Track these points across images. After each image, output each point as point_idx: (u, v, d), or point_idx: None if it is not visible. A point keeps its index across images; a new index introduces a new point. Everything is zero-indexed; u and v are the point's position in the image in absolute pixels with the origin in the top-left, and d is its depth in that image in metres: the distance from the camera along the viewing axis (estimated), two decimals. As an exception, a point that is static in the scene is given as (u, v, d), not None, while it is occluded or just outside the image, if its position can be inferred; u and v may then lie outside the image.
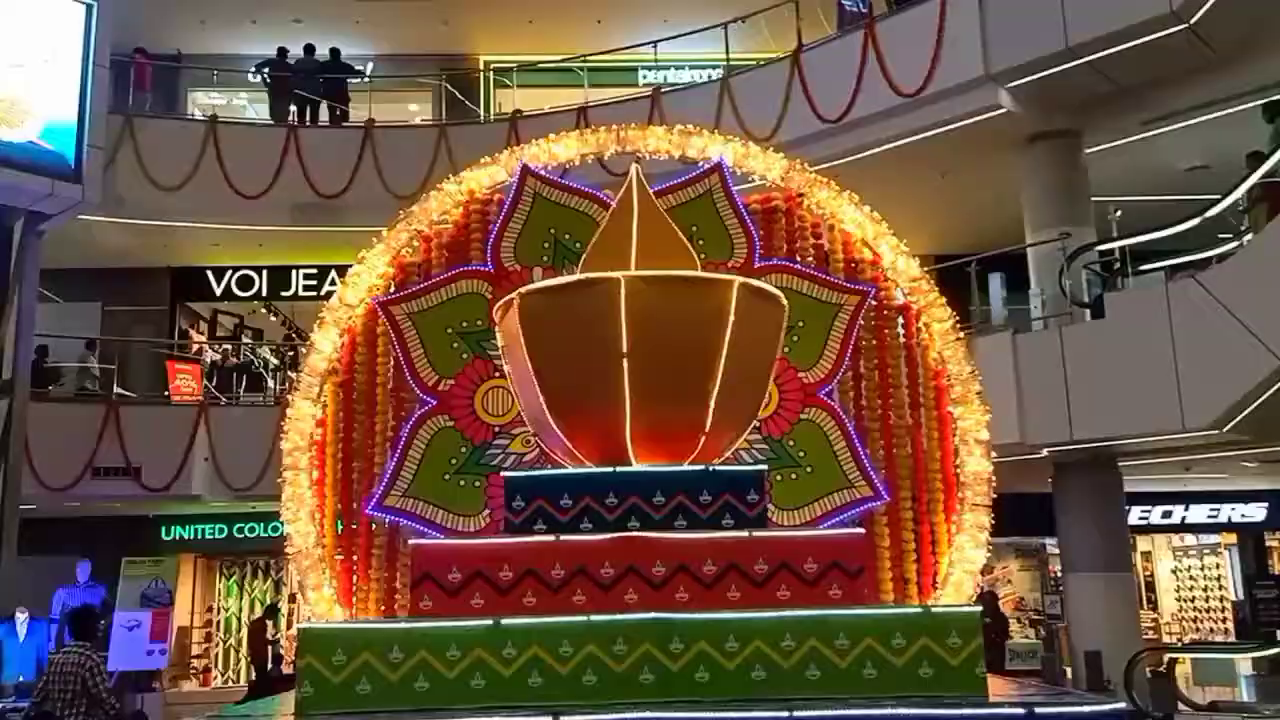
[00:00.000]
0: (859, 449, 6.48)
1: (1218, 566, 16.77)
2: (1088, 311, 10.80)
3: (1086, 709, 3.83)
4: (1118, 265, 11.29)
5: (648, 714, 3.88)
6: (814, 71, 12.45)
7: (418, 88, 18.00)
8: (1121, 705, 3.89)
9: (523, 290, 5.21)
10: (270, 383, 15.51)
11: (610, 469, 4.98)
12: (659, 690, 4.08)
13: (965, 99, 11.42)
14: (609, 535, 4.71)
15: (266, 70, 15.61)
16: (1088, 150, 12.09)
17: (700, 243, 6.34)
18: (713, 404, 5.01)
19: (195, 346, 15.91)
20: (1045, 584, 15.37)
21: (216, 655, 15.09)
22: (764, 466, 5.49)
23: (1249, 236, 10.02)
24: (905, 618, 4.25)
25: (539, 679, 4.12)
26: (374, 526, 6.57)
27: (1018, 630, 14.64)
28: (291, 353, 15.08)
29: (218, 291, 16.32)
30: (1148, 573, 17.13)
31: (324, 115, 15.30)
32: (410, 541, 5.47)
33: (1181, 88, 11.20)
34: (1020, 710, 3.82)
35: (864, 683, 4.06)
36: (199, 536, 14.74)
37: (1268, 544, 17.08)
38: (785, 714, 3.83)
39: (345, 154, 13.99)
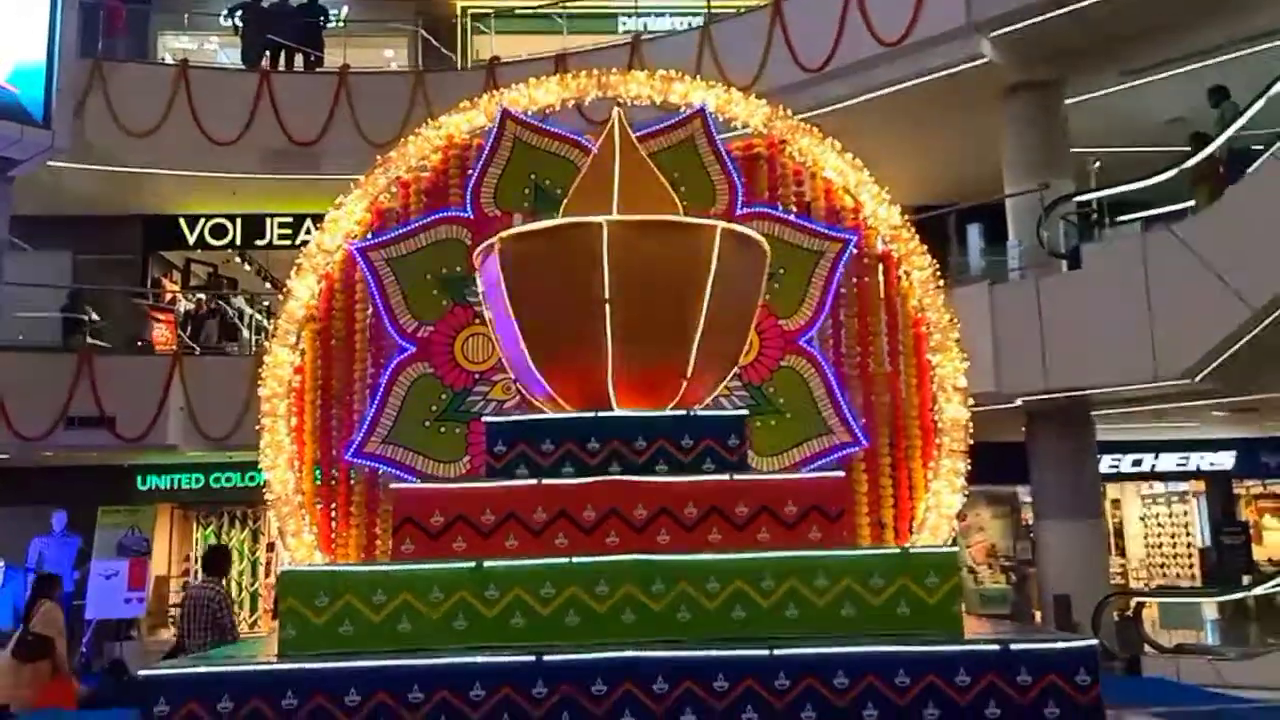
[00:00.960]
0: (838, 396, 6.53)
1: (1186, 514, 17.09)
2: (1064, 262, 10.87)
3: (1059, 645, 3.91)
4: (1095, 216, 11.36)
5: (629, 653, 3.91)
6: (796, 19, 12.35)
7: (393, 33, 17.69)
8: (1093, 641, 3.96)
9: (503, 235, 5.17)
10: (245, 333, 15.39)
11: (592, 414, 4.99)
12: (641, 630, 4.12)
13: (947, 48, 11.38)
14: (590, 479, 4.73)
15: (238, 14, 15.29)
16: (1068, 101, 12.10)
17: (682, 189, 6.30)
18: (694, 350, 5.01)
19: (169, 296, 15.74)
20: (1017, 531, 15.61)
21: (195, 604, 15.10)
22: (745, 412, 5.51)
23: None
24: (883, 558, 4.30)
25: (521, 620, 4.14)
26: (353, 473, 6.57)
27: (989, 575, 14.90)
28: (267, 302, 14.98)
29: (191, 240, 16.12)
30: (1117, 520, 17.44)
31: (298, 61, 15.03)
32: (392, 485, 5.48)
33: (1162, 39, 11.21)
34: (995, 646, 3.88)
35: (842, 621, 4.11)
36: (175, 486, 14.69)
37: (1235, 492, 17.39)
38: (765, 652, 3.88)
39: (320, 101, 13.78)
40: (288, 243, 15.71)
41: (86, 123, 12.91)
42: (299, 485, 6.55)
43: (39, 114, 10.96)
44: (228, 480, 14.59)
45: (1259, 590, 11.53)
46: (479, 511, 4.61)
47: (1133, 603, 11.37)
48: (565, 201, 5.51)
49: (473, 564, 4.21)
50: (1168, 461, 16.70)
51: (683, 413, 5.04)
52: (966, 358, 6.69)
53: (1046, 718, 3.80)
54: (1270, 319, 8.90)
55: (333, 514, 6.59)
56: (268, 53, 14.82)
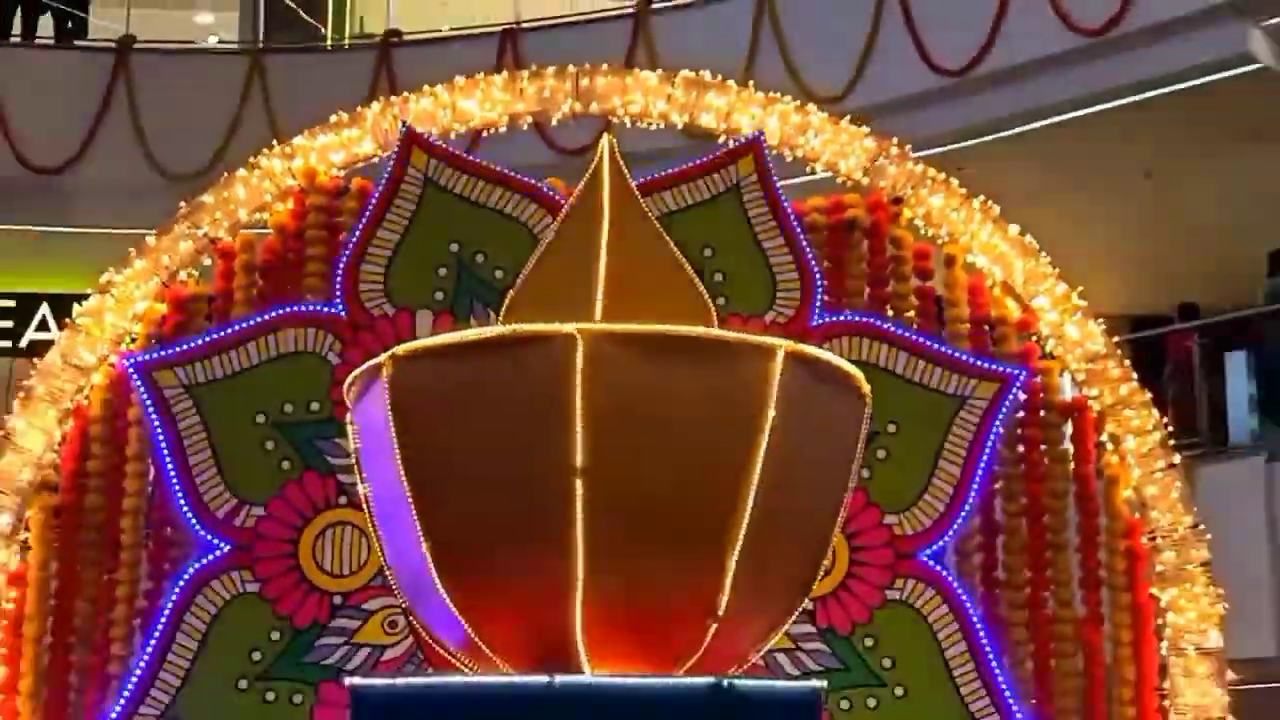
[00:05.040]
0: (990, 658, 6.55)
1: None
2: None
3: None
4: None
5: None
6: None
7: (214, -14, 18.24)
8: None
9: (399, 352, 5.27)
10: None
11: (543, 680, 5.01)
12: None
13: (1189, 44, 11.70)
14: (539, 805, 4.73)
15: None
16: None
17: (719, 278, 6.45)
18: (733, 565, 5.06)
19: None
20: None
21: None
22: (823, 685, 5.52)
23: None
24: None
25: None
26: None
27: None
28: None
29: None
30: None
31: (44, 26, 15.45)
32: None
33: None
34: None
35: None
36: None
37: None
38: None
39: (81, 95, 14.11)
40: (6, 343, 15.85)
41: None
42: (2, 794, 6.52)
43: None
44: None
45: None
46: None
47: None
48: (512, 294, 5.64)
49: None
50: None
51: (709, 682, 5.06)
52: (1223, 595, 6.73)
53: None
54: None
55: None
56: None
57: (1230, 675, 6.69)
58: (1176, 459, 6.97)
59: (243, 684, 6.43)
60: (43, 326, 15.17)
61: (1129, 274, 13.55)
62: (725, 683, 5.06)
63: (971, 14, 12.25)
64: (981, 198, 7.22)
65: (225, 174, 7.31)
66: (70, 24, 15.40)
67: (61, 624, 6.75)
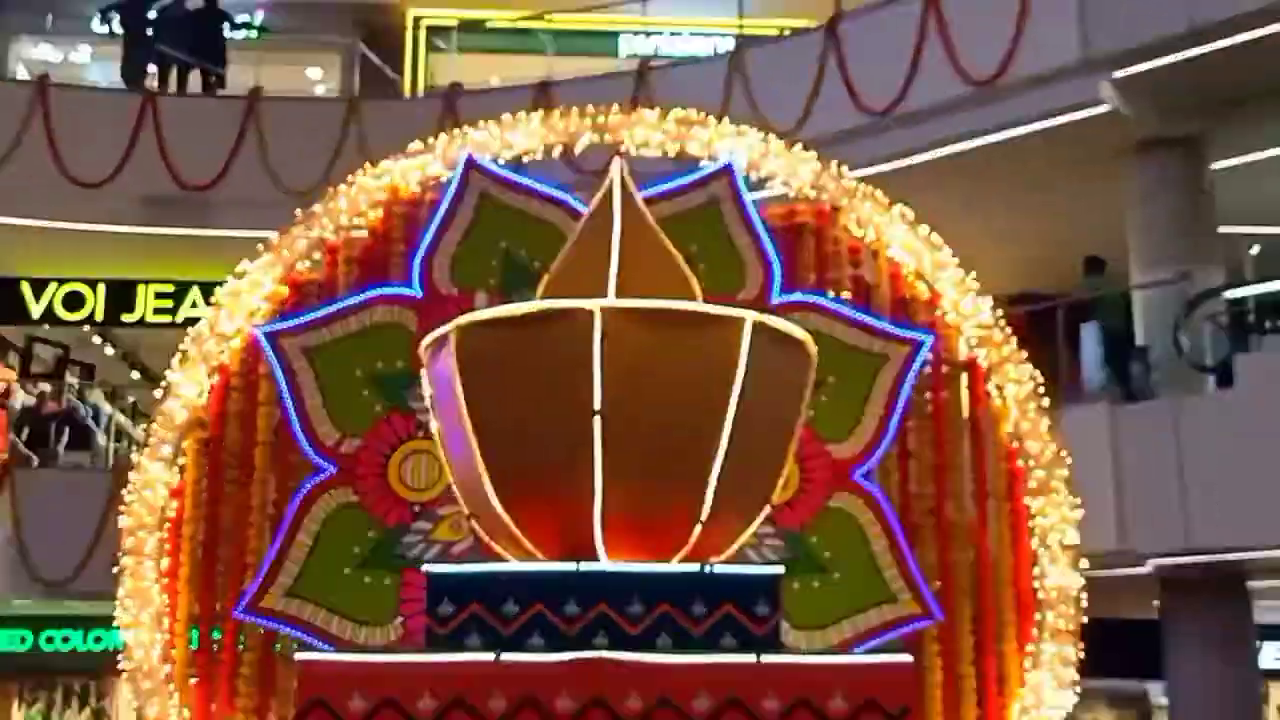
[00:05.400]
0: (905, 550, 6.59)
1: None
2: (1211, 378, 11.00)
3: None
4: (1252, 318, 11.52)
5: None
6: (856, 46, 12.73)
7: (322, 48, 18.18)
8: None
9: (462, 322, 5.29)
10: (103, 439, 15.43)
11: (572, 567, 5.03)
12: None
13: (1056, 91, 11.68)
14: (568, 656, 4.75)
15: (114, 16, 15.69)
16: (1215, 165, 12.35)
17: (702, 268, 6.45)
18: (713, 482, 5.08)
19: (2, 386, 15.83)
20: (1148, 744, 15.45)
21: (11, 811, 14.87)
22: (780, 570, 5.54)
23: None
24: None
25: None
26: (244, 636, 6.58)
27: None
28: (134, 399, 15.07)
29: (35, 312, 16.26)
30: (1286, 734, 17.24)
31: (193, 81, 15.42)
32: (296, 656, 5.48)
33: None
34: None
35: None
36: (-10, 648, 14.57)
37: None
38: None
39: (220, 132, 14.09)
40: (166, 319, 15.85)
41: (-92, 153, 13.19)
42: (168, 651, 6.56)
43: None
44: (64, 641, 14.46)
45: None
46: (414, 696, 4.62)
47: None
48: (546, 280, 5.65)
49: (403, 775, 4.22)
50: (1355, 654, 16.60)
51: (695, 568, 5.08)
52: (1079, 504, 6.76)
53: None
54: None
55: (213, 693, 6.57)
56: (154, 68, 15.19)
57: (1083, 563, 6.73)
58: (1045, 403, 7.00)
59: (346, 570, 6.48)
60: (194, 306, 15.16)
61: (1009, 265, 13.52)
62: (707, 568, 5.10)
63: (891, 69, 12.26)
64: (899, 206, 7.24)
65: (330, 189, 7.32)
66: (214, 79, 15.39)
67: (211, 526, 6.80)
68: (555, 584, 4.97)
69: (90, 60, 18.08)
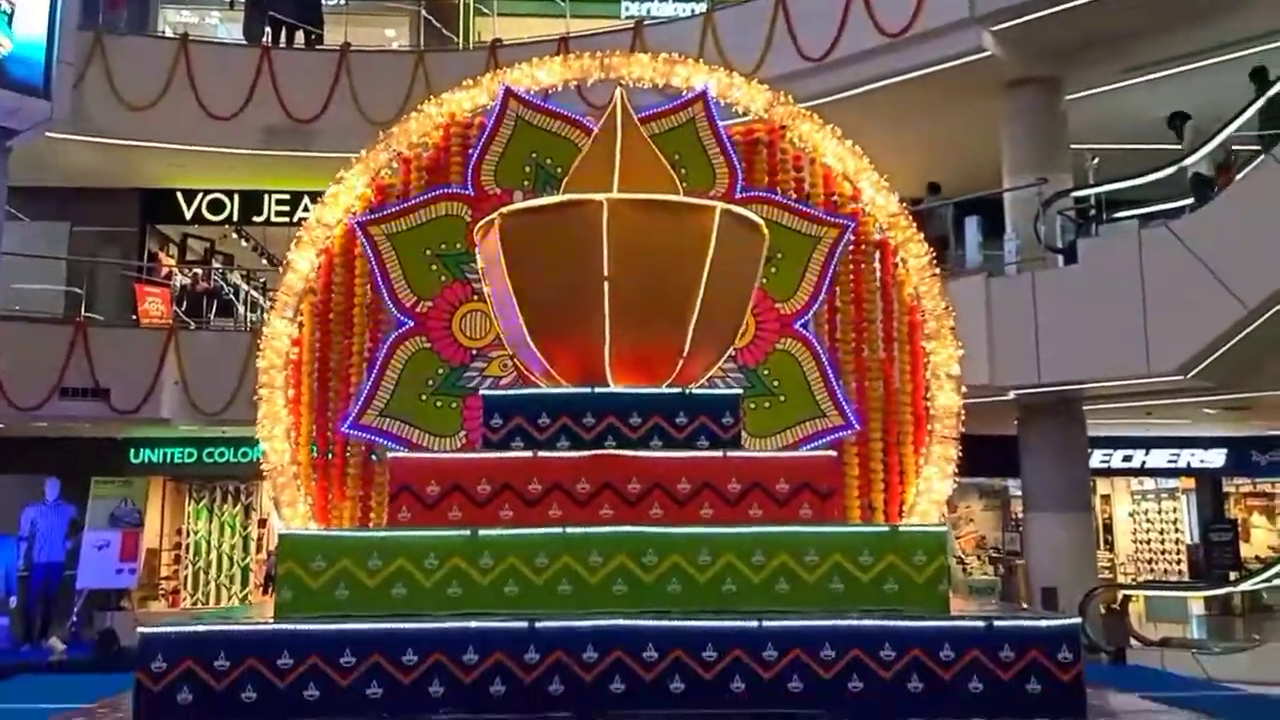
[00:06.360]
0: (832, 380, 6.62)
1: (1174, 510, 17.23)
2: (1060, 257, 10.94)
3: (1043, 623, 4.00)
4: (1093, 212, 11.43)
5: (621, 621, 3.99)
6: (799, 8, 12.37)
7: (395, 13, 17.67)
8: (1077, 620, 4.05)
9: (504, 210, 5.24)
10: (241, 309, 15.41)
11: (588, 390, 5.06)
12: (632, 601, 4.19)
13: (949, 41, 11.40)
14: (585, 453, 4.80)
15: (240, -12, 15.26)
16: (1068, 97, 12.13)
17: (683, 171, 6.38)
18: (691, 329, 5.09)
19: (164, 270, 15.75)
20: (1006, 523, 15.75)
21: (185, 578, 15.18)
22: (739, 392, 5.58)
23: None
24: (873, 536, 4.39)
25: (515, 588, 4.22)
26: (350, 446, 6.64)
27: (977, 567, 15.03)
28: (264, 279, 15.03)
29: (188, 215, 16.11)
30: (1106, 515, 17.58)
31: (298, 38, 15.02)
32: (389, 455, 5.55)
33: (1163, 38, 11.25)
34: (980, 623, 3.97)
35: (831, 596, 4.20)
36: (168, 460, 14.71)
37: (1224, 490, 17.52)
38: (754, 623, 3.96)
39: (320, 78, 13.77)
40: (285, 219, 15.71)
41: (85, 95, 12.89)
42: (295, 456, 6.61)
43: (39, 84, 10.96)
44: (220, 455, 14.62)
45: (1245, 586, 11.66)
46: (475, 482, 4.68)
47: (1119, 596, 11.48)
48: (567, 179, 5.58)
49: (468, 532, 4.29)
50: (1158, 458, 16.83)
51: (678, 391, 5.11)
52: (961, 346, 6.77)
53: (1029, 694, 3.90)
54: (1264, 317, 8.98)
55: (329, 486, 6.65)
56: (268, 29, 14.81)
57: (963, 389, 6.76)
58: (938, 272, 6.96)
59: (422, 397, 6.51)
60: (305, 210, 14.98)
61: (914, 173, 13.31)
62: (687, 390, 5.13)
63: (825, 26, 11.95)
64: (831, 126, 7.11)
65: (404, 116, 7.18)
66: (314, 36, 14.99)
67: (322, 366, 6.80)
68: (576, 402, 5.00)
69: (219, 22, 17.60)
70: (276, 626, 4.03)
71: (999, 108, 12.10)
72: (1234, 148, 10.37)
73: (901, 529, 4.63)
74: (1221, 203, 9.67)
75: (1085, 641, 7.19)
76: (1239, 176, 9.55)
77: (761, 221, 5.44)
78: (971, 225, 11.99)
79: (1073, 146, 12.10)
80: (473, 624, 4.01)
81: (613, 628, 3.98)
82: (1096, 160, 12.17)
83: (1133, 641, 10.45)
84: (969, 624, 3.99)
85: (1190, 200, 10.53)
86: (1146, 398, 11.58)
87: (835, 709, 3.86)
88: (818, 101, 11.03)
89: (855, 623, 4.00)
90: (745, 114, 7.16)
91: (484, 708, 3.89)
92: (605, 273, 4.93)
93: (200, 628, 4.01)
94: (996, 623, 3.98)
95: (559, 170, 6.39)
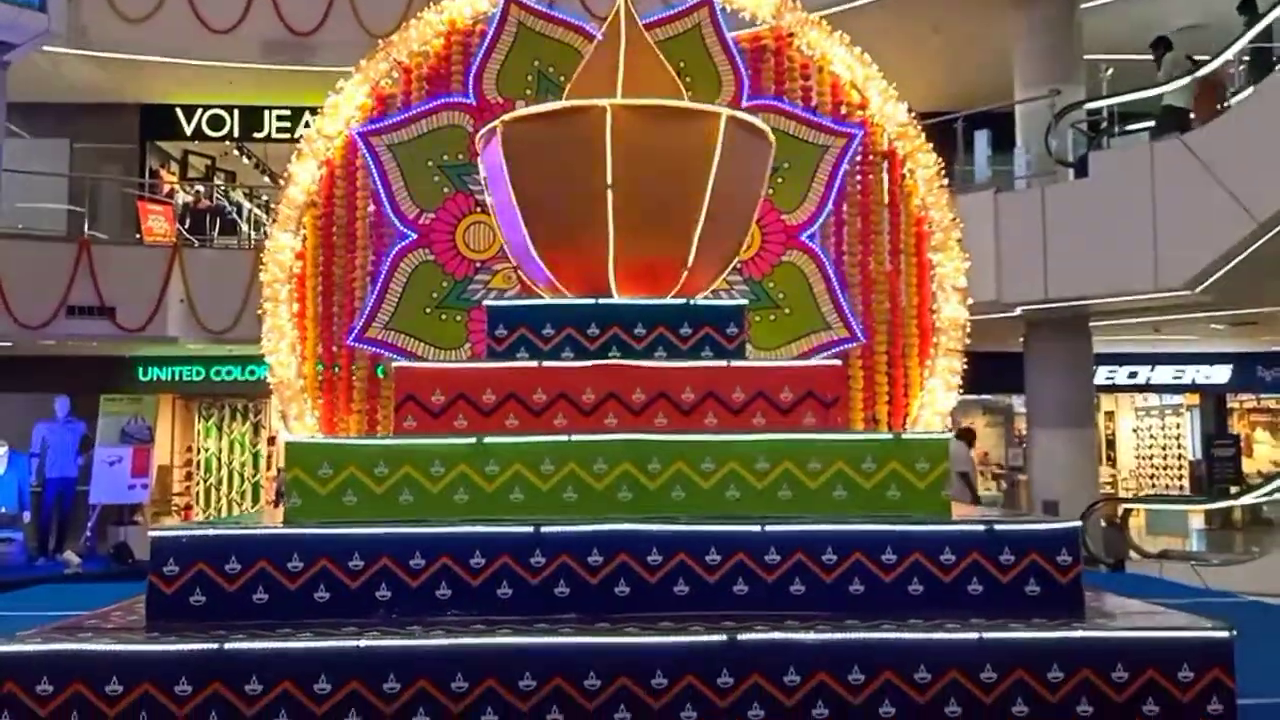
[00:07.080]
0: (838, 292, 6.58)
1: (1178, 426, 17.30)
2: (1071, 171, 10.80)
3: (1042, 526, 4.03)
4: (1105, 125, 11.25)
5: (625, 526, 4.02)
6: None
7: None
8: (1076, 524, 4.08)
9: (506, 118, 5.14)
10: (244, 226, 15.34)
11: (592, 300, 5.03)
12: (636, 508, 4.22)
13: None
14: (590, 363, 4.79)
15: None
16: (1082, 6, 11.86)
17: (688, 79, 6.24)
18: (696, 239, 5.03)
19: (166, 188, 15.64)
20: (1010, 440, 15.83)
21: (197, 494, 15.39)
22: (744, 302, 5.54)
23: (1237, 98, 9.96)
24: (876, 443, 4.39)
25: (520, 495, 4.24)
26: (355, 360, 6.65)
27: (980, 482, 15.16)
28: (265, 196, 14.92)
29: (188, 131, 15.95)
30: (1110, 431, 17.66)
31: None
32: (393, 365, 5.56)
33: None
34: (980, 527, 4.00)
35: (834, 503, 4.22)
36: (176, 378, 14.81)
37: (1229, 405, 17.56)
38: (757, 527, 3.99)
39: (319, -8, 13.50)
40: (286, 136, 15.55)
41: (82, 7, 12.68)
42: (300, 371, 6.63)
43: (33, -4, 10.75)
44: (228, 374, 14.70)
45: (1245, 500, 11.75)
46: (480, 391, 4.68)
47: (1120, 510, 11.59)
48: (569, 85, 5.47)
49: (473, 439, 4.30)
50: (1163, 374, 16.83)
51: (683, 301, 5.08)
52: (968, 258, 6.71)
53: (1028, 595, 3.93)
54: (1274, 231, 8.89)
55: (335, 398, 6.67)
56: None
57: (969, 302, 6.73)
58: (946, 183, 6.86)
59: (427, 310, 6.49)
60: (306, 126, 14.79)
61: (925, 87, 13.07)
62: (691, 301, 5.10)
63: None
64: (840, 32, 6.95)
65: (405, 24, 7.03)
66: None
67: (326, 280, 6.77)
68: (581, 313, 4.98)
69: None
70: (286, 530, 4.07)
71: (1012, 18, 11.84)
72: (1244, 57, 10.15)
73: (905, 436, 4.65)
74: (1235, 115, 9.50)
75: (1085, 553, 7.28)
76: (1248, 90, 9.36)
77: (769, 130, 5.34)
78: (981, 139, 11.83)
79: (1087, 58, 11.86)
80: (479, 529, 4.05)
81: (617, 532, 4.01)
82: (1110, 71, 11.94)
83: (1132, 554, 10.58)
84: (969, 528, 4.01)
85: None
86: (1154, 313, 11.54)
87: (837, 611, 3.91)
88: (827, 11, 10.80)
89: (857, 527, 4.03)
90: (752, 21, 6.99)
91: (491, 610, 3.95)
92: (608, 181, 4.86)
93: (211, 532, 4.06)
94: (997, 526, 4.01)
95: (562, 79, 6.27)
